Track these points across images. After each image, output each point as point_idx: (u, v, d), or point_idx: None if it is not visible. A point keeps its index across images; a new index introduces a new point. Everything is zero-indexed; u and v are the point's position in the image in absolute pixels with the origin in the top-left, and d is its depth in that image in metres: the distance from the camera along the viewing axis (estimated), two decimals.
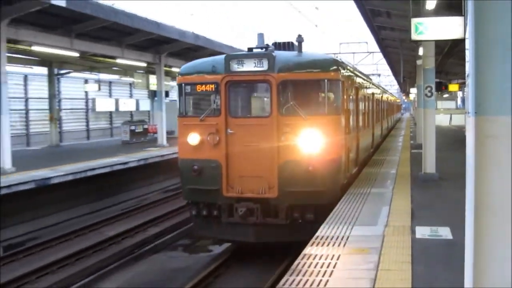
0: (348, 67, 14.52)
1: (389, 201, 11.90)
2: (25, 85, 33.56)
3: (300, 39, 12.71)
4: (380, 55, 40.08)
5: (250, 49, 12.55)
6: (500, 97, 3.24)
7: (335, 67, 12.11)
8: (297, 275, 6.92)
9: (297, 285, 6.55)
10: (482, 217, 3.35)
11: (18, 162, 18.92)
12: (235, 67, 11.85)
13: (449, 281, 6.49)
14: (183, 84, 12.59)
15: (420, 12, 13.62)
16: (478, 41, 3.28)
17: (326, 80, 11.77)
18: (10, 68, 20.79)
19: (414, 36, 13.11)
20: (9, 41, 18.87)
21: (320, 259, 7.62)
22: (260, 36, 13.17)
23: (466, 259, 3.49)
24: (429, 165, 15.94)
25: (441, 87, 31.64)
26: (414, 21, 12.99)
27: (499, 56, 3.24)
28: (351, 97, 14.61)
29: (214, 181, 11.91)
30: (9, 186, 15.72)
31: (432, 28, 12.93)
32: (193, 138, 12.02)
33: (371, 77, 30.68)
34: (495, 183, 3.31)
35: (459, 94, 49.67)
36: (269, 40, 13.82)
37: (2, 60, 17.99)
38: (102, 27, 21.32)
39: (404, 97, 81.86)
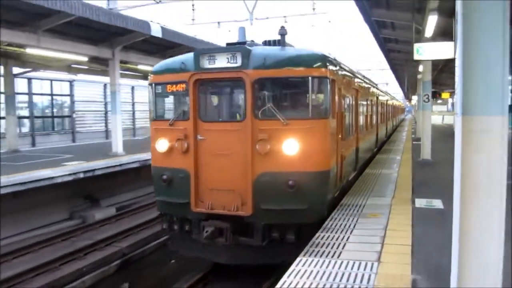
0: (342, 66, 9.79)
1: (395, 179, 11.74)
2: (132, 93, 34.27)
3: (283, 32, 8.53)
4: (390, 71, 39.22)
5: (229, 45, 8.73)
6: (481, 101, 3.24)
7: (322, 63, 7.78)
8: (327, 231, 6.94)
9: (326, 239, 6.56)
10: (466, 192, 3.33)
11: (127, 148, 19.38)
12: (206, 63, 7.89)
13: (440, 238, 6.37)
14: (153, 84, 8.65)
15: (421, 38, 13.40)
16: (465, 61, 3.27)
17: (310, 78, 7.48)
18: (122, 81, 21.27)
19: (416, 57, 12.95)
20: (121, 62, 19.36)
21: (343, 220, 7.61)
22: (242, 30, 9.52)
23: (453, 223, 3.45)
24: (426, 153, 15.75)
25: (436, 95, 30.99)
26: (416, 45, 12.85)
27: (480, 72, 3.23)
28: (348, 99, 10.24)
29: (183, 193, 8.07)
30: (121, 165, 16.18)
31: (429, 51, 12.76)
32: (162, 144, 8.31)
33: (380, 85, 28.58)
34: (476, 166, 3.29)
35: (450, 100, 48.29)
36: None
37: (116, 75, 18.50)
38: (187, 51, 21.56)
39: (407, 102, 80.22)
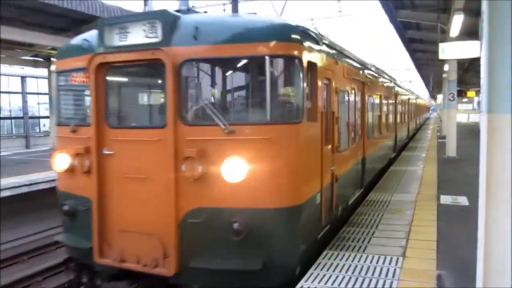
0: (334, 46, 6.46)
1: (420, 176, 11.53)
2: None
3: None
4: (413, 70, 38.55)
5: None
6: (506, 99, 3.18)
7: (292, 37, 4.70)
8: (352, 226, 6.86)
9: (352, 234, 6.49)
10: (491, 189, 3.28)
11: None
12: (115, 39, 4.94)
13: (465, 235, 6.23)
14: (56, 74, 5.86)
15: (446, 38, 13.14)
16: (490, 59, 3.22)
17: (268, 58, 4.43)
18: None
19: (441, 56, 12.71)
20: None
21: (369, 216, 7.52)
22: None
23: (479, 220, 3.37)
24: (451, 150, 15.48)
25: (461, 94, 30.34)
26: (441, 45, 12.61)
27: (505, 70, 3.19)
28: (348, 94, 7.25)
29: (87, 233, 5.17)
30: None
31: (454, 50, 12.53)
32: (61, 160, 5.46)
33: (402, 83, 26.95)
34: (501, 163, 3.23)
35: (475, 99, 47.22)
36: None
37: None
38: None
39: (432, 101, 78.85)
